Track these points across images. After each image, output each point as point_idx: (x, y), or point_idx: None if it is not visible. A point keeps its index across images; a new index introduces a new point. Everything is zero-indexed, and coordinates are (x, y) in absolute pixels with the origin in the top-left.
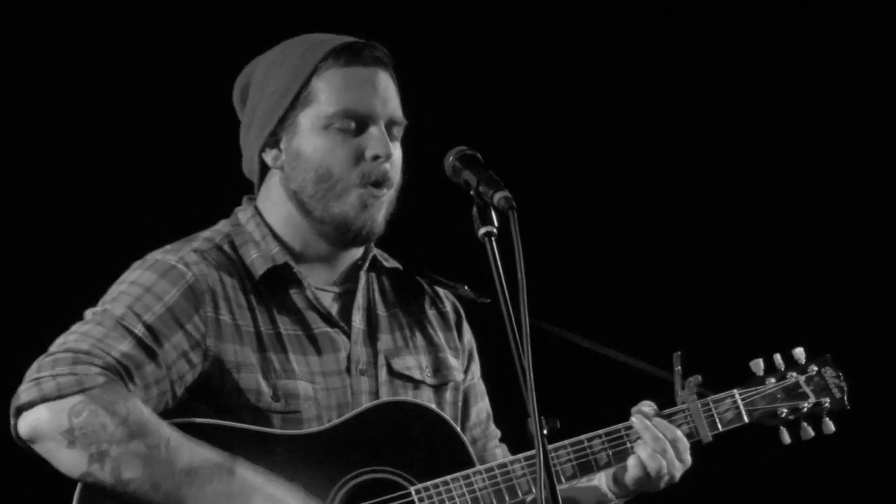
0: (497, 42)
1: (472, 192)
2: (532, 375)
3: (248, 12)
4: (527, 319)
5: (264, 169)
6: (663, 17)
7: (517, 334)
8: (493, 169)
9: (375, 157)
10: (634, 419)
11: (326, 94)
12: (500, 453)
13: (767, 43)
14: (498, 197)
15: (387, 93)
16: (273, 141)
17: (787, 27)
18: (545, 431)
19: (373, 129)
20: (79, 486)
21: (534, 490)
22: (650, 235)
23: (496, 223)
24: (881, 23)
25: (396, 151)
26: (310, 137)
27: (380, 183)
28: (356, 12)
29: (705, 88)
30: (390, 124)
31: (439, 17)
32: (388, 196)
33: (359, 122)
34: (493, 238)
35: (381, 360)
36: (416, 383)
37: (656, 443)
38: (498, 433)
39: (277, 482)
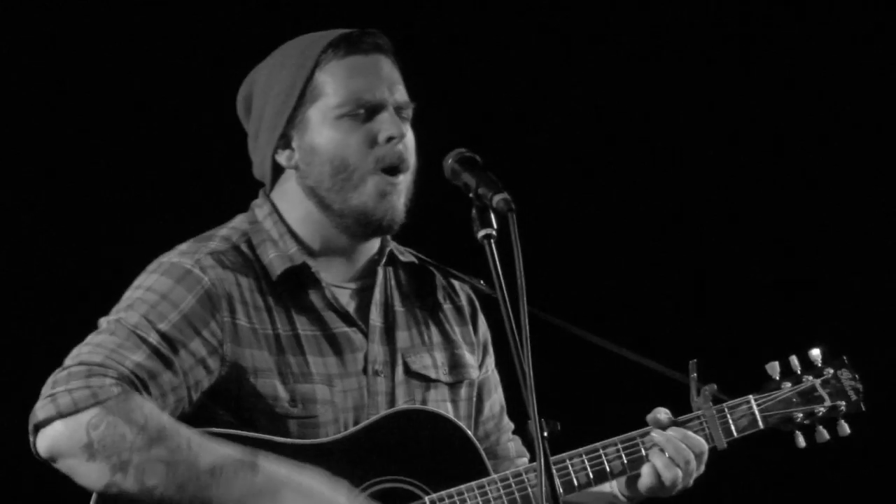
0: (493, 40)
1: (471, 195)
2: (532, 377)
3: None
4: (526, 321)
5: (277, 171)
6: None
7: (517, 335)
8: (492, 170)
9: (389, 139)
10: (655, 434)
11: (332, 85)
12: (513, 447)
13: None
14: (497, 199)
15: (392, 77)
16: (284, 142)
17: (789, 25)
18: (545, 433)
19: (383, 114)
20: (94, 497)
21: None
22: (665, 238)
23: (495, 225)
24: (881, 22)
25: (409, 133)
26: (321, 130)
27: (396, 167)
28: (355, 14)
29: (711, 87)
30: (399, 108)
31: (436, 16)
32: (405, 182)
33: (368, 109)
34: (492, 240)
35: (399, 358)
36: (433, 382)
37: (678, 454)
38: (511, 426)
39: (301, 471)
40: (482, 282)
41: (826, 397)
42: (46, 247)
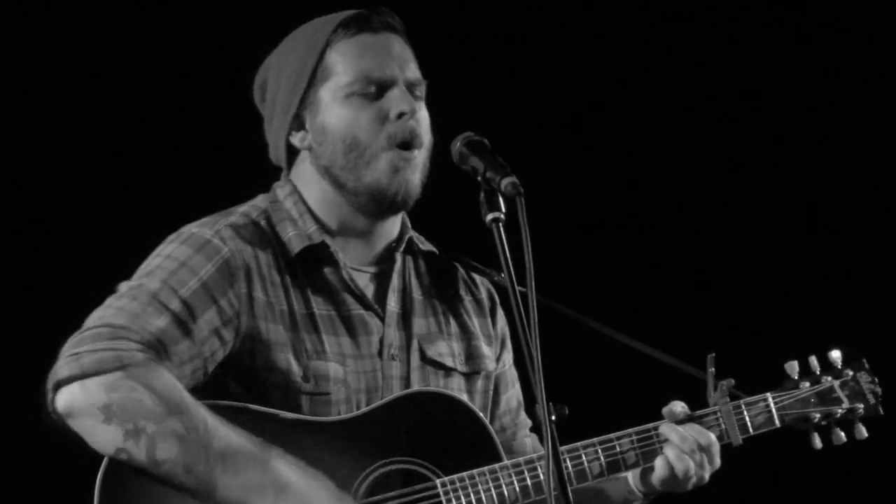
0: (505, 30)
1: (479, 178)
2: (540, 360)
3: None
4: (534, 305)
5: (292, 153)
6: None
7: (525, 319)
8: (500, 154)
9: (400, 115)
10: (663, 426)
11: (342, 64)
12: (530, 443)
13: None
14: (505, 183)
15: (403, 55)
16: (298, 123)
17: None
18: (553, 417)
19: (394, 91)
20: (103, 466)
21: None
22: (685, 230)
23: (504, 209)
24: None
25: (422, 110)
26: (333, 109)
27: (409, 143)
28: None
29: (732, 70)
30: (411, 86)
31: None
32: (420, 157)
33: (379, 87)
34: (500, 224)
35: (415, 344)
36: (448, 370)
37: (684, 443)
38: (528, 422)
39: (311, 477)
40: (503, 275)
41: (844, 399)
42: (56, 237)
